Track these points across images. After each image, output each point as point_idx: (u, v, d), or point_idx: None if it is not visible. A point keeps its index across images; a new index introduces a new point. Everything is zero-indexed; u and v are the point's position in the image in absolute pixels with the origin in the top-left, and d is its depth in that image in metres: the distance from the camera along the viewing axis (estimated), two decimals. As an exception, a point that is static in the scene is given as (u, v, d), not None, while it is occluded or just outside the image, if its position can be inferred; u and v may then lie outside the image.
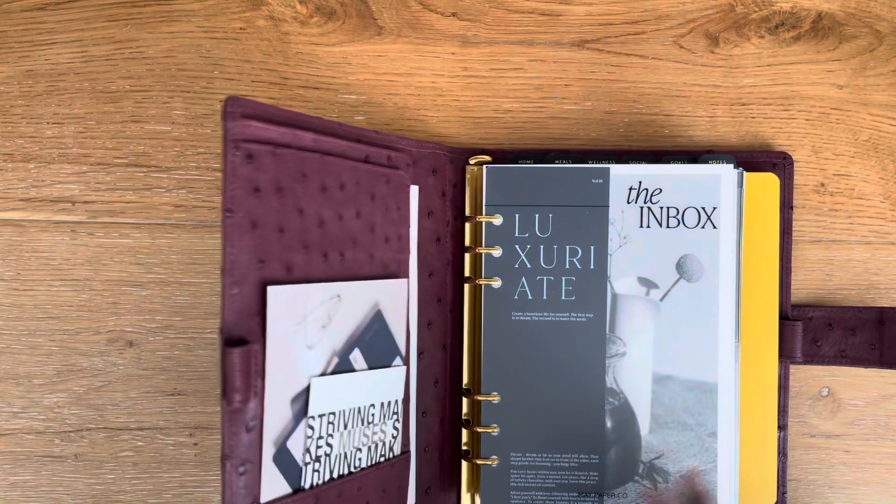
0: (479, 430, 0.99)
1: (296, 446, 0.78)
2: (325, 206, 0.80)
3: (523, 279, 0.98)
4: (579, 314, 0.97)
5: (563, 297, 0.97)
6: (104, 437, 1.05)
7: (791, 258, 1.01)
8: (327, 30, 1.05)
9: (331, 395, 0.81)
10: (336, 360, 0.82)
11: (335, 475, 0.82)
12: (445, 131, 1.05)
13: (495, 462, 0.98)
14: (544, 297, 0.98)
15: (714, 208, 0.96)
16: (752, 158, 1.02)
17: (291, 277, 0.77)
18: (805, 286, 1.04)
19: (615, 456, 0.97)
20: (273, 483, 0.76)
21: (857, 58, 1.04)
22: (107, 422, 1.05)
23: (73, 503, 1.05)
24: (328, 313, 0.80)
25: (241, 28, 1.04)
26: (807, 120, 1.04)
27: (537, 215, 0.98)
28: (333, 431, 0.81)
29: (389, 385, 0.88)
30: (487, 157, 1.01)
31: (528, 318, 0.98)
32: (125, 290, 1.05)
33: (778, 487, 1.00)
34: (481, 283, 0.99)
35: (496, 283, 0.98)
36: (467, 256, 1.00)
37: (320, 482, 0.80)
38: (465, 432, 1.01)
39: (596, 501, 0.98)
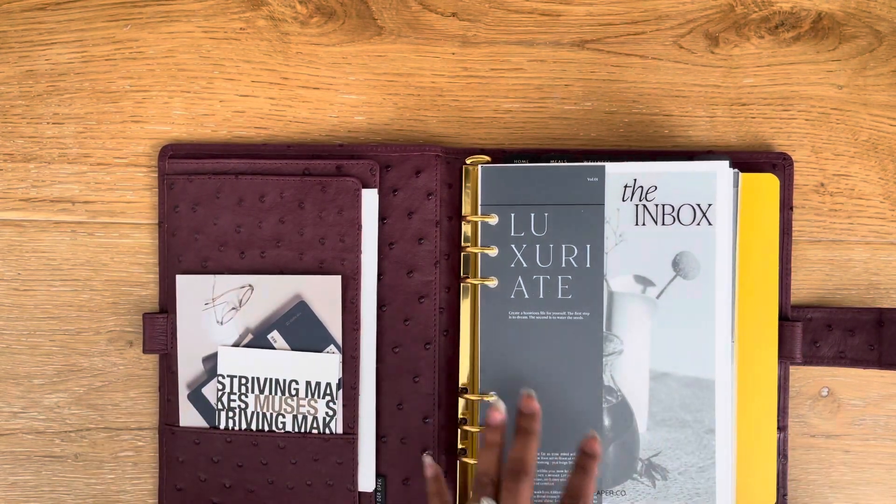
0: (473, 429, 1.03)
1: (210, 394, 1.06)
2: (242, 215, 1.06)
3: (519, 278, 1.01)
4: (576, 313, 1.00)
5: (559, 296, 1.01)
6: (104, 437, 1.09)
7: (791, 258, 1.04)
8: (327, 30, 1.08)
9: (240, 363, 1.05)
10: (251, 336, 1.06)
11: (254, 427, 1.06)
12: (445, 131, 1.08)
13: None
14: (541, 297, 1.01)
15: (710, 205, 0.99)
16: (752, 159, 1.04)
17: (206, 269, 1.07)
18: (805, 286, 1.07)
19: (613, 454, 1.00)
20: (189, 414, 1.07)
21: (857, 58, 1.06)
22: (107, 422, 1.09)
23: (73, 503, 1.09)
24: (238, 298, 1.05)
25: (241, 28, 1.08)
26: (807, 120, 1.06)
27: (533, 214, 1.01)
28: (247, 392, 1.06)
29: (317, 368, 1.05)
30: (486, 157, 1.04)
31: (525, 318, 1.01)
32: (125, 290, 1.09)
33: (778, 489, 1.03)
34: (475, 282, 1.02)
35: (492, 283, 1.02)
36: (463, 256, 1.04)
37: (236, 427, 1.06)
38: (461, 431, 1.04)
39: (595, 500, 1.00)
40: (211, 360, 1.06)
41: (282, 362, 1.05)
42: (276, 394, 1.05)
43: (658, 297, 1.00)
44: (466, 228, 1.04)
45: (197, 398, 1.06)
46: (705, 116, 1.07)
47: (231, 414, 1.06)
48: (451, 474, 1.05)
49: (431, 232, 1.05)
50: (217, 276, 1.06)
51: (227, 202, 1.06)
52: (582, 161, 1.03)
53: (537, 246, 1.01)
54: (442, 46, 1.08)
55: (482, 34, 1.08)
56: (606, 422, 1.01)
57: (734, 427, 1.01)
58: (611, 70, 1.08)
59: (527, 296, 1.01)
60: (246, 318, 1.05)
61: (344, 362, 1.04)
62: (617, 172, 1.00)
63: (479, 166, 1.03)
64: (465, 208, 1.04)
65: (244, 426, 1.06)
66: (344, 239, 1.05)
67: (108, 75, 1.09)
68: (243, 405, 1.05)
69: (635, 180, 1.00)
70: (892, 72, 1.07)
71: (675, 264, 1.00)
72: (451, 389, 1.06)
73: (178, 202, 1.06)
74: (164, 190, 1.07)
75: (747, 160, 1.05)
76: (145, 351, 1.06)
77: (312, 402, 1.05)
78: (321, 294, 1.05)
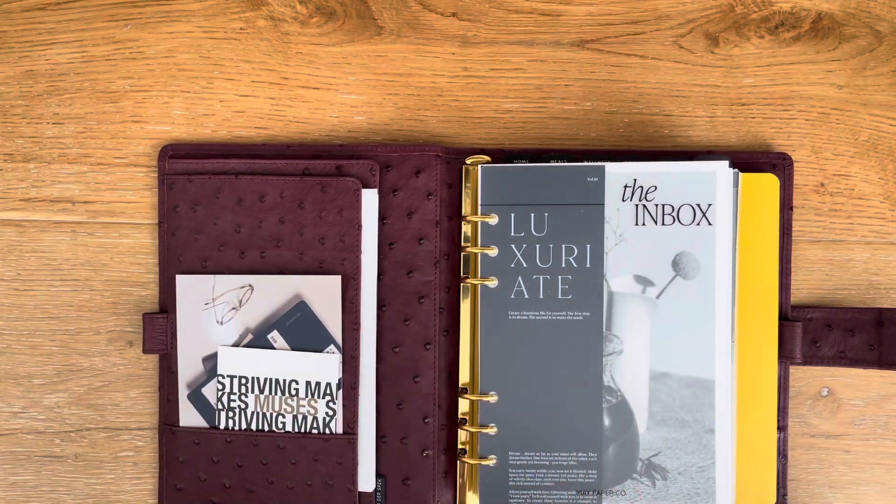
0: (473, 430, 1.03)
1: (210, 394, 1.06)
2: (242, 215, 1.06)
3: (519, 278, 1.02)
4: (576, 313, 1.01)
5: (559, 296, 1.01)
6: (104, 437, 1.09)
7: (791, 258, 1.05)
8: (327, 30, 1.08)
9: (240, 362, 1.06)
10: (251, 336, 1.06)
11: (254, 427, 1.06)
12: (445, 131, 1.09)
13: (493, 461, 1.02)
14: (541, 297, 1.01)
15: (709, 205, 0.99)
16: (752, 159, 1.05)
17: (205, 269, 1.07)
18: (805, 286, 1.07)
19: (613, 454, 1.01)
20: (189, 414, 1.07)
21: (857, 58, 1.07)
22: (107, 422, 1.09)
23: (73, 503, 1.10)
24: (238, 298, 1.06)
25: (241, 28, 1.08)
26: (807, 120, 1.07)
27: (533, 214, 1.01)
28: (247, 392, 1.06)
29: (317, 368, 1.05)
30: (486, 157, 1.04)
31: (525, 318, 1.02)
32: (125, 290, 1.09)
33: (778, 489, 1.04)
34: (475, 282, 1.03)
35: (492, 283, 1.02)
36: (463, 256, 1.05)
37: (236, 427, 1.06)
38: (461, 431, 1.05)
39: (595, 499, 1.01)
40: (211, 360, 1.06)
41: (282, 362, 1.05)
42: (276, 394, 1.05)
43: (658, 297, 1.00)
44: (466, 228, 1.04)
45: (197, 398, 1.06)
46: (705, 116, 1.07)
47: (231, 414, 1.06)
48: (451, 474, 1.06)
49: (431, 232, 1.05)
50: (217, 276, 1.06)
51: (227, 202, 1.06)
52: (582, 161, 1.03)
53: (537, 246, 1.02)
54: (442, 46, 1.09)
55: (482, 34, 1.08)
56: (606, 422, 1.01)
57: (734, 427, 1.01)
58: (611, 70, 1.08)
59: (527, 296, 1.02)
60: (246, 318, 1.05)
61: (344, 362, 1.05)
62: (617, 172, 1.01)
63: (479, 166, 1.03)
64: (465, 208, 1.05)
65: (244, 426, 1.06)
66: (344, 239, 1.05)
67: (108, 75, 1.09)
68: (243, 405, 1.06)
69: (635, 180, 1.00)
70: (892, 72, 1.07)
71: (675, 264, 1.00)
72: (451, 389, 1.06)
73: (178, 202, 1.06)
74: (164, 190, 1.07)
75: (747, 160, 1.05)
76: (145, 351, 1.06)
77: (312, 402, 1.05)
78: (321, 294, 1.05)
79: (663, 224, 1.00)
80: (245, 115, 1.09)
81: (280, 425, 1.06)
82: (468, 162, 1.05)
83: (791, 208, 1.05)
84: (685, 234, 1.00)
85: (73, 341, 1.09)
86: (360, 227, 1.05)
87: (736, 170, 1.01)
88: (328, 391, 1.05)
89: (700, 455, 1.00)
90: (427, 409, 1.06)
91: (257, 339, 1.05)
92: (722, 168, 1.00)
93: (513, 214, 1.02)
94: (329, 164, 1.06)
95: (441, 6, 1.08)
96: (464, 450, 1.05)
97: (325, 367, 1.05)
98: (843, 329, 1.05)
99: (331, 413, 1.05)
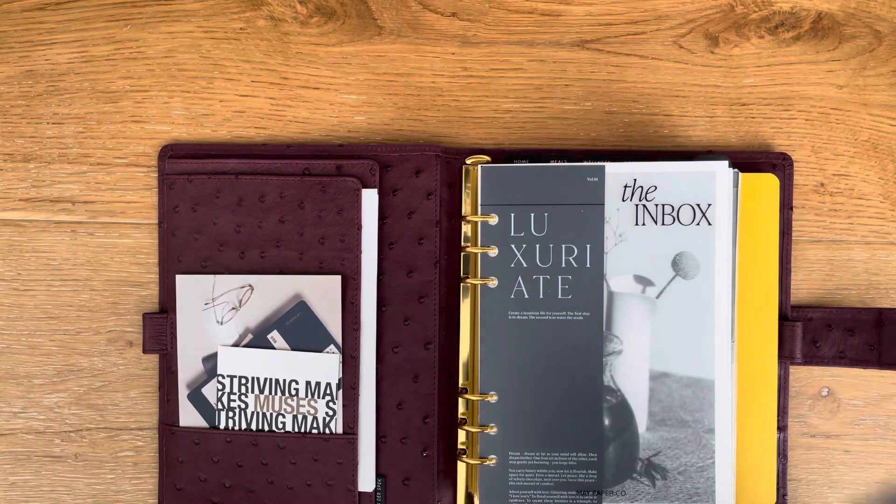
0: (474, 430, 1.03)
1: (210, 394, 1.06)
2: (242, 215, 1.06)
3: (519, 278, 1.01)
4: (576, 313, 1.01)
5: (559, 296, 1.01)
6: (104, 437, 1.09)
7: (791, 258, 1.05)
8: (327, 30, 1.08)
9: (239, 362, 1.06)
10: (250, 336, 1.06)
11: (253, 427, 1.06)
12: (445, 131, 1.09)
13: (493, 461, 1.02)
14: (541, 297, 1.01)
15: (709, 205, 0.99)
16: (751, 159, 1.05)
17: (205, 269, 1.07)
18: (805, 286, 1.07)
19: (613, 453, 1.01)
20: (189, 414, 1.07)
21: (857, 58, 1.07)
22: (107, 422, 1.09)
23: (73, 503, 1.10)
24: (238, 298, 1.06)
25: (241, 28, 1.08)
26: (807, 120, 1.07)
27: (533, 214, 1.01)
28: (247, 392, 1.06)
29: (317, 368, 1.05)
30: (486, 157, 1.04)
31: (525, 318, 1.02)
32: (125, 290, 1.09)
33: (778, 489, 1.04)
34: (475, 282, 1.02)
35: (492, 283, 1.02)
36: (463, 256, 1.04)
37: (236, 427, 1.06)
38: (461, 431, 1.05)
39: (594, 499, 1.01)
40: (211, 360, 1.06)
41: (282, 362, 1.05)
42: (276, 394, 1.05)
43: (658, 297, 1.00)
44: (466, 228, 1.04)
45: (197, 398, 1.06)
46: (705, 116, 1.08)
47: (231, 414, 1.06)
48: (451, 474, 1.06)
49: (431, 232, 1.06)
50: (217, 276, 1.06)
51: (227, 202, 1.06)
52: (582, 161, 1.04)
53: (537, 246, 1.02)
54: (442, 46, 1.09)
55: (482, 34, 1.08)
56: (606, 422, 1.01)
57: (734, 427, 1.01)
58: (611, 70, 1.08)
59: (527, 296, 1.02)
60: (246, 318, 1.05)
61: (344, 362, 1.05)
62: (617, 172, 1.01)
63: (479, 166, 1.03)
64: (465, 208, 1.05)
65: (244, 426, 1.06)
66: (344, 239, 1.05)
67: (108, 75, 1.09)
68: (243, 405, 1.06)
69: (635, 180, 1.00)
70: (892, 72, 1.07)
71: (675, 264, 1.00)
72: (451, 389, 1.06)
73: (177, 202, 1.07)
74: (164, 190, 1.07)
75: (747, 160, 1.05)
76: (145, 351, 1.07)
77: (312, 402, 1.05)
78: (321, 294, 1.05)
79: (663, 224, 1.00)
80: (245, 115, 1.09)
81: (280, 425, 1.06)
82: (468, 162, 1.05)
83: (791, 208, 1.05)
84: (685, 234, 1.00)
85: (73, 341, 1.09)
86: (359, 227, 1.05)
87: (736, 170, 1.01)
88: (328, 391, 1.05)
89: (700, 455, 1.00)
90: (427, 409, 1.06)
91: (257, 339, 1.05)
92: (722, 168, 1.00)
93: (513, 214, 1.02)
94: (329, 164, 1.06)
95: (441, 6, 1.08)
96: (464, 450, 1.04)
97: (325, 367, 1.05)
98: (843, 329, 1.05)
99: (331, 413, 1.05)
